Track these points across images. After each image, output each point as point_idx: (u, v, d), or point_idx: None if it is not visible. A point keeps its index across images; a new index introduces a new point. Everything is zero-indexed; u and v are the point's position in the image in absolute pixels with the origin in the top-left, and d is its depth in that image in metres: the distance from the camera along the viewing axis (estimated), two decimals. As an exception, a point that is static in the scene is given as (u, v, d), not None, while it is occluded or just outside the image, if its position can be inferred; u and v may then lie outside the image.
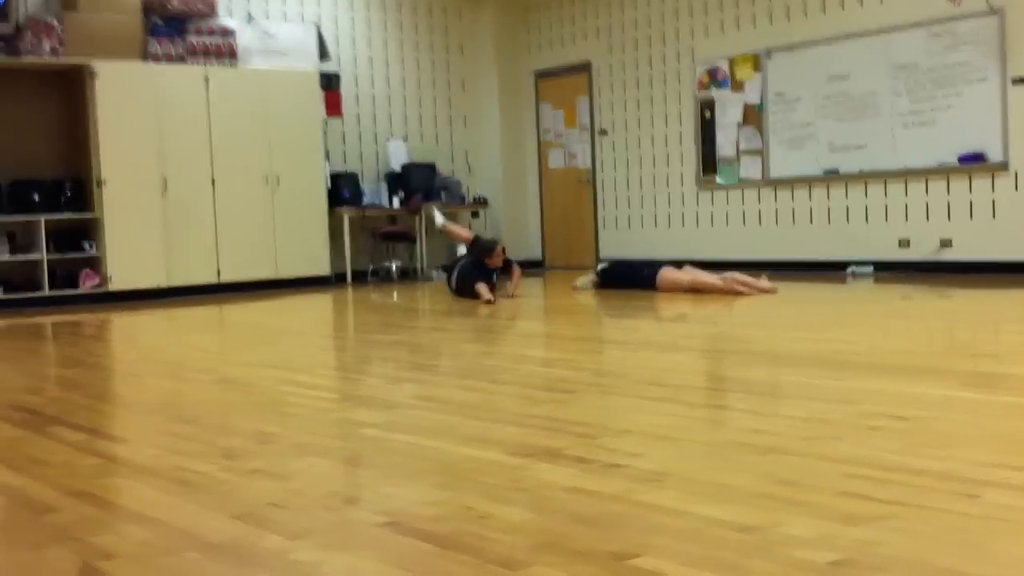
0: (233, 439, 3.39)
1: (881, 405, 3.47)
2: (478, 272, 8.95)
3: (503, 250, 9.29)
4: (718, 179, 11.55)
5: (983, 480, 2.48)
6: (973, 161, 9.44)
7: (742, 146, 11.30)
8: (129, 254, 10.49)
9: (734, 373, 4.39)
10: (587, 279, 9.59)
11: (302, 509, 2.51)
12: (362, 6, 12.83)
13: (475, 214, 13.55)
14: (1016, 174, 9.22)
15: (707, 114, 11.62)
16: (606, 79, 12.80)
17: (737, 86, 11.33)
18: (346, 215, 11.99)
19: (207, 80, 11.01)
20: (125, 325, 8.00)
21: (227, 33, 11.27)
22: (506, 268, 9.31)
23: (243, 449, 3.23)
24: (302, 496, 2.63)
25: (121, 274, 10.45)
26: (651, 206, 12.37)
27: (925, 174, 9.81)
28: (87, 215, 10.40)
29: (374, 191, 12.54)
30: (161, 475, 2.94)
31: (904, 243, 10.01)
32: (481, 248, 9.25)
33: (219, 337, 6.88)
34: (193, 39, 11.04)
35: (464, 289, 9.05)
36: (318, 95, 11.81)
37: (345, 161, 12.64)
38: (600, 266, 9.78)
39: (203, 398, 4.30)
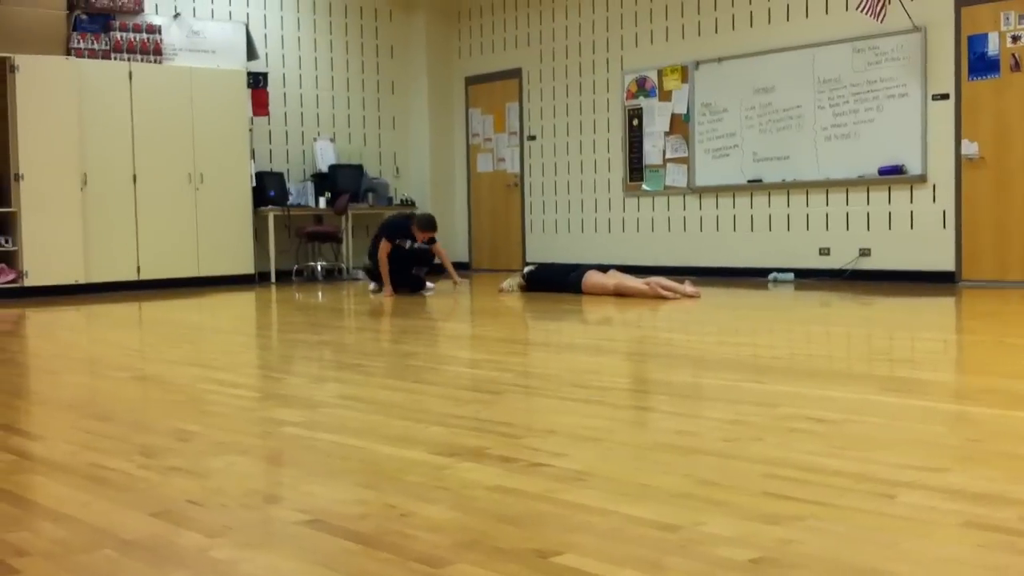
0: (151, 437, 3.33)
1: (801, 408, 3.52)
2: (393, 232, 9.61)
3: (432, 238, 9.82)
4: (644, 186, 11.66)
5: (898, 481, 2.53)
6: (893, 173, 9.65)
7: (668, 154, 11.41)
8: (47, 249, 10.27)
9: (658, 376, 4.43)
10: (513, 281, 9.61)
11: (221, 507, 2.47)
12: (291, 6, 12.72)
13: (402, 216, 13.50)
14: (934, 187, 9.44)
15: (635, 122, 11.72)
16: (536, 85, 12.85)
17: (665, 96, 11.44)
18: (271, 214, 11.87)
19: (131, 76, 10.83)
20: (41, 321, 7.82)
21: (153, 30, 11.11)
22: (425, 259, 9.75)
23: (161, 447, 3.17)
24: (221, 494, 2.59)
25: (38, 270, 10.23)
26: (578, 211, 12.44)
27: (846, 185, 10.00)
28: (3, 209, 10.15)
29: (300, 191, 12.44)
30: (76, 472, 2.87)
31: (824, 252, 10.19)
32: (419, 220, 9.66)
33: (139, 334, 6.76)
34: (118, 35, 10.86)
35: (374, 254, 9.65)
36: (245, 94, 11.68)
37: (271, 160, 12.52)
38: (526, 269, 9.80)
39: (121, 395, 4.22)
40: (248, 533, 2.25)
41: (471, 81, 13.65)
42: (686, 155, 11.26)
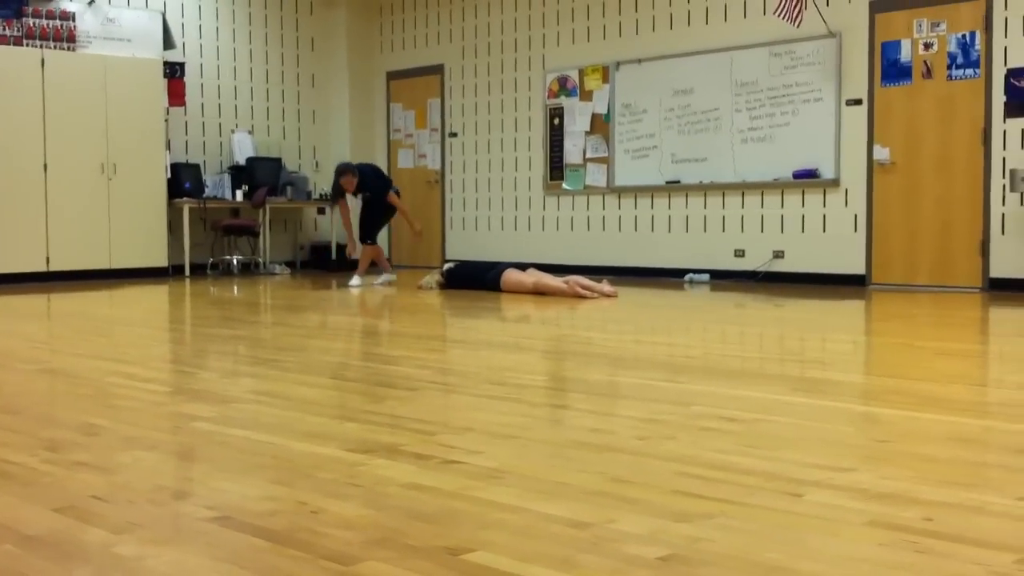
0: (57, 431, 3.26)
1: (713, 407, 3.57)
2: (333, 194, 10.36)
3: (395, 194, 10.24)
4: (565, 185, 11.72)
5: (807, 480, 2.57)
6: (807, 177, 9.82)
7: (589, 154, 11.48)
8: (-49, 239, 9.98)
9: (574, 374, 4.45)
10: (432, 279, 9.58)
11: (128, 503, 2.42)
12: (210, -6, 12.53)
13: (321, 211, 13.39)
14: (846, 191, 9.63)
15: (556, 121, 11.77)
16: (458, 82, 12.83)
17: (586, 95, 11.51)
18: (186, 206, 11.68)
19: (43, 64, 10.58)
20: (-56, 313, 7.60)
21: (67, 17, 10.87)
22: (381, 210, 10.25)
23: (67, 441, 3.10)
24: (128, 490, 2.54)
25: (-58, 260, 9.94)
26: (499, 209, 12.45)
27: (761, 188, 10.16)
28: (-94, 196, 9.85)
29: (217, 183, 12.26)
30: (-23, 467, 2.79)
31: (739, 253, 10.34)
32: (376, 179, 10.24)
33: (46, 327, 6.60)
34: (31, 21, 10.60)
35: (335, 193, 10.25)
36: (161, 84, 11.48)
37: (187, 152, 12.32)
38: (446, 266, 9.79)
39: (26, 388, 4.11)
40: (155, 529, 2.21)
41: (392, 76, 13.59)
42: (606, 155, 11.34)
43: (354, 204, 10.49)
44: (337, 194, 10.23)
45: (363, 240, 10.35)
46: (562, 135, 11.71)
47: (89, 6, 11.09)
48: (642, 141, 11.05)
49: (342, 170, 10.15)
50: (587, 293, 8.47)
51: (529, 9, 12.03)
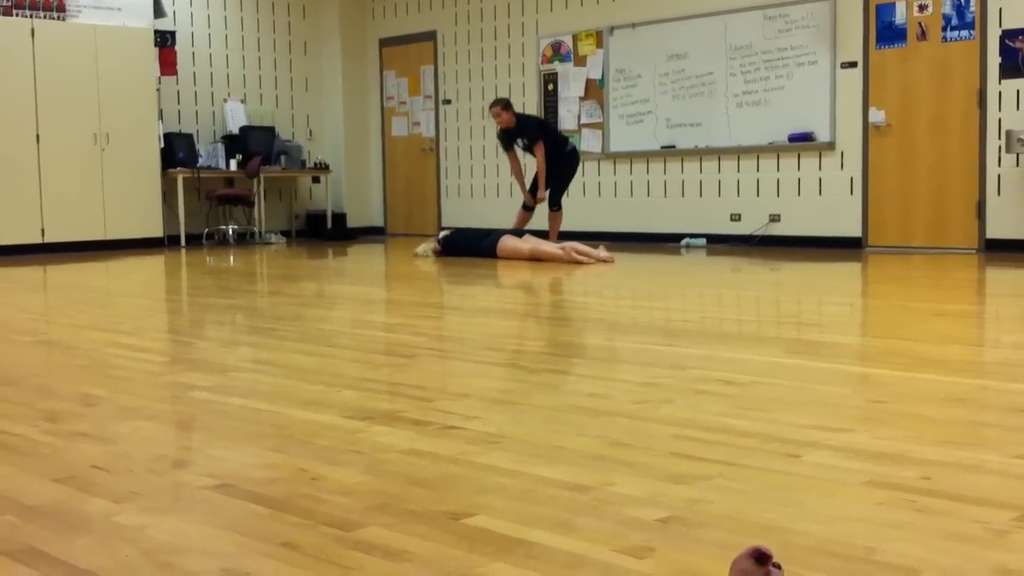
0: (55, 402, 3.26)
1: (710, 371, 3.57)
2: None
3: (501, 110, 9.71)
4: (559, 151, 11.66)
5: (803, 441, 2.58)
6: (802, 140, 9.80)
7: (583, 119, 11.44)
8: (-55, 212, 9.95)
9: (571, 339, 4.45)
10: (428, 246, 9.57)
11: (128, 472, 2.42)
12: (201, -39, 12.43)
13: (316, 179, 13.35)
14: (842, 154, 9.62)
15: (550, 87, 11.72)
16: (451, 49, 12.76)
17: (580, 61, 11.46)
18: (180, 176, 11.64)
19: (33, 34, 10.50)
20: (-60, 286, 7.59)
21: (56, -17, 10.78)
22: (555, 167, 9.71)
23: (66, 412, 3.11)
24: (128, 459, 2.54)
25: (-64, 233, 9.92)
26: (493, 176, 12.42)
27: (757, 152, 10.14)
28: (-102, 169, 9.81)
29: (211, 153, 12.21)
30: (-24, 439, 2.80)
31: (735, 217, 10.34)
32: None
33: (43, 298, 6.59)
34: (19, -12, 10.52)
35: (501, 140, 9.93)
36: (152, 53, 11.41)
37: (180, 122, 12.26)
38: (442, 234, 9.78)
39: (24, 360, 4.11)
40: (155, 498, 2.22)
41: (385, 43, 13.51)
42: (601, 120, 11.30)
43: (530, 159, 10.00)
44: (502, 141, 9.86)
45: (551, 206, 9.85)
46: (556, 101, 11.66)
47: (78, -25, 11.00)
48: (637, 106, 11.00)
49: (492, 102, 9.80)
50: (584, 259, 8.47)
51: (522, -26, 11.95)
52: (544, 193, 9.69)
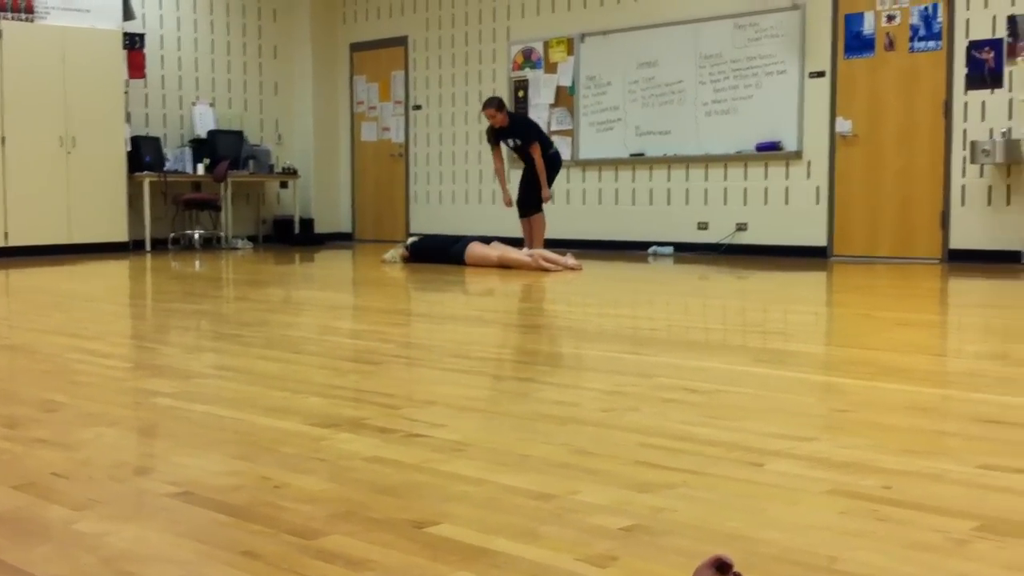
0: (16, 407, 3.22)
1: (676, 379, 3.58)
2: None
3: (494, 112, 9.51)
4: (529, 158, 11.67)
5: (768, 450, 2.59)
6: (769, 150, 9.86)
7: (554, 126, 11.46)
8: (-93, 214, 9.82)
9: (539, 347, 4.45)
10: (396, 252, 9.55)
11: (89, 479, 2.40)
12: (169, -36, 12.35)
13: (284, 184, 13.30)
14: (809, 163, 9.68)
15: (521, 93, 11.74)
16: (422, 54, 12.75)
17: (551, 68, 11.48)
18: (147, 180, 11.56)
19: (0, 34, 10.40)
20: (-99, 289, 7.49)
21: (23, -15, 10.69)
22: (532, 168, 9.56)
23: (26, 417, 3.07)
24: (89, 466, 2.51)
25: (-103, 235, 9.79)
26: (463, 182, 12.42)
27: (725, 160, 10.19)
28: None
29: (178, 157, 12.13)
30: (-66, 445, 2.76)
31: (703, 226, 10.38)
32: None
33: (5, 302, 6.52)
34: (-15, -11, 10.42)
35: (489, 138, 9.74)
36: (120, 55, 11.33)
37: (148, 125, 12.18)
38: (410, 240, 9.76)
39: (-15, 366, 4.06)
40: (116, 506, 2.19)
41: (356, 48, 13.48)
42: (571, 127, 11.33)
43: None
44: (490, 138, 9.68)
45: (521, 213, 9.71)
46: (527, 107, 11.67)
47: (45, -24, 10.91)
48: (607, 114, 11.04)
49: (486, 102, 9.54)
50: (551, 266, 8.48)
51: (493, -20, 11.96)
52: (548, 192, 9.53)
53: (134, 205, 11.56)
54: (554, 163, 9.62)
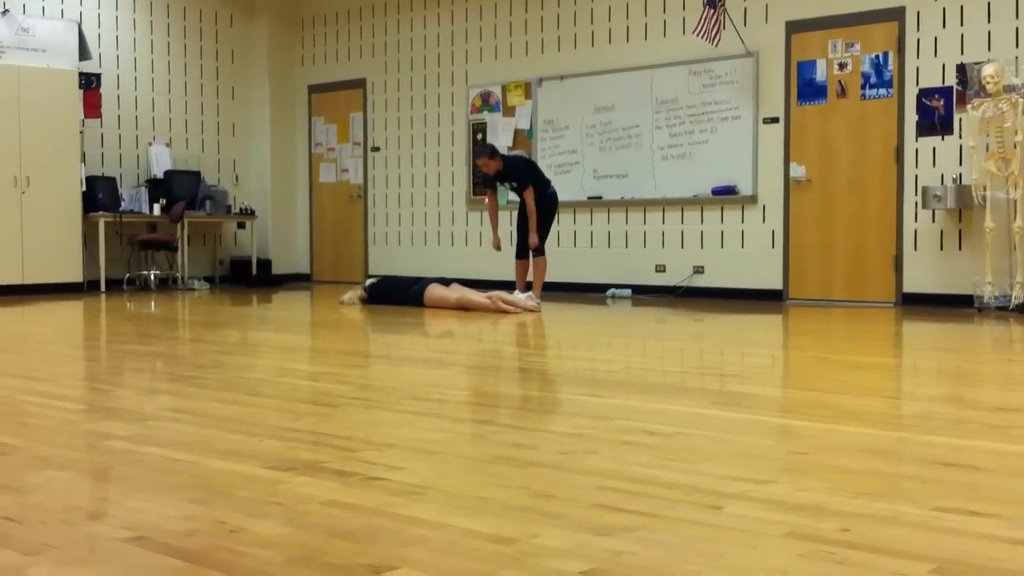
0: (-35, 451, 3.16)
1: (635, 421, 3.59)
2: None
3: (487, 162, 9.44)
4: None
5: (726, 492, 2.60)
6: (725, 194, 9.97)
7: (511, 169, 11.49)
8: None
9: (497, 389, 4.45)
10: (354, 294, 9.52)
11: (40, 524, 2.36)
12: (127, 6, 12.33)
13: (241, 225, 13.23)
14: (764, 207, 9.79)
15: (479, 136, 11.79)
16: (380, 96, 12.79)
17: (508, 111, 11.55)
18: (102, 220, 11.46)
19: (-47, 71, 10.31)
20: None
21: (-23, 23, 10.62)
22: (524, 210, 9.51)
23: (-24, 462, 3.01)
24: (41, 510, 2.47)
25: None
26: (421, 224, 12.43)
27: (681, 204, 10.28)
28: None
29: (134, 197, 12.04)
30: None
31: (660, 268, 10.45)
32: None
33: (-45, 344, 6.41)
34: (-62, 26, 10.34)
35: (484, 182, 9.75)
36: (76, 95, 11.26)
37: (103, 165, 12.09)
38: (368, 281, 9.73)
39: (-67, 408, 3.99)
40: (69, 551, 2.16)
41: (314, 90, 13.50)
42: (528, 171, 11.37)
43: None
44: (485, 181, 9.70)
45: (518, 254, 9.69)
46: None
47: (2, 15, 10.85)
48: (564, 157, 11.11)
49: (478, 152, 9.57)
50: (510, 308, 8.49)
51: (452, 24, 12.05)
52: (535, 238, 9.42)
53: (89, 245, 11.45)
54: (550, 205, 9.59)
